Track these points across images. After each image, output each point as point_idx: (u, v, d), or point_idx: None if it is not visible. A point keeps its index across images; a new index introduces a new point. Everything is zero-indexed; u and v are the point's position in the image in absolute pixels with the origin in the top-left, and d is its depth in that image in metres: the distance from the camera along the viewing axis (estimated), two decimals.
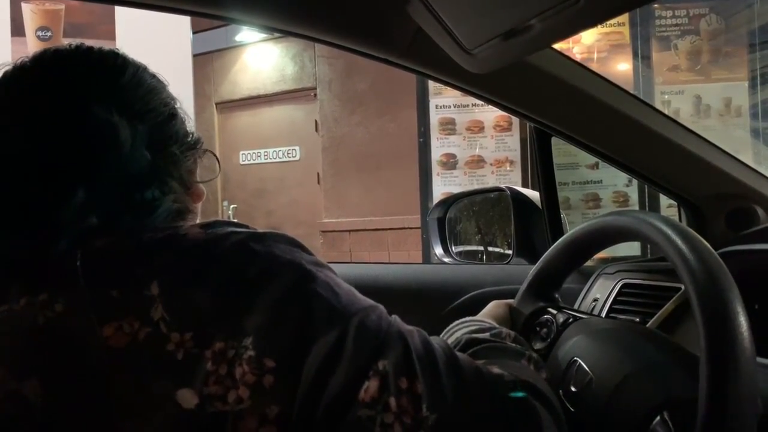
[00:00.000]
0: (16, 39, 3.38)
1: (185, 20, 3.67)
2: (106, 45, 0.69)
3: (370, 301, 0.60)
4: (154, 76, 0.69)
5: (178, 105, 0.70)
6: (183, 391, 0.51)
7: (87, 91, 0.62)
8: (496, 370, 0.60)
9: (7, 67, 0.64)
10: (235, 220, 0.63)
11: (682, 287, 0.87)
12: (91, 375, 0.52)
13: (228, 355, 0.52)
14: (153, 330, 0.52)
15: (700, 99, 3.69)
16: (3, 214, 0.60)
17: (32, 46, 3.36)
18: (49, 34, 3.41)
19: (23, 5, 3.42)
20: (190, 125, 0.71)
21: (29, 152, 0.59)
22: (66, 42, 0.68)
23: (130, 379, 0.52)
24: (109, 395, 0.52)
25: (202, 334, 0.52)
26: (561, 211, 1.32)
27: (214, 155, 0.77)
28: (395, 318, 0.60)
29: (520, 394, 0.57)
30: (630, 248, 3.06)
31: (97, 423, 0.52)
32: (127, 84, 0.65)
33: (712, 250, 0.61)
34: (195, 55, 3.87)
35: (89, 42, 0.68)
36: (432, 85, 3.97)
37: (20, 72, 0.64)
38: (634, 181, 3.56)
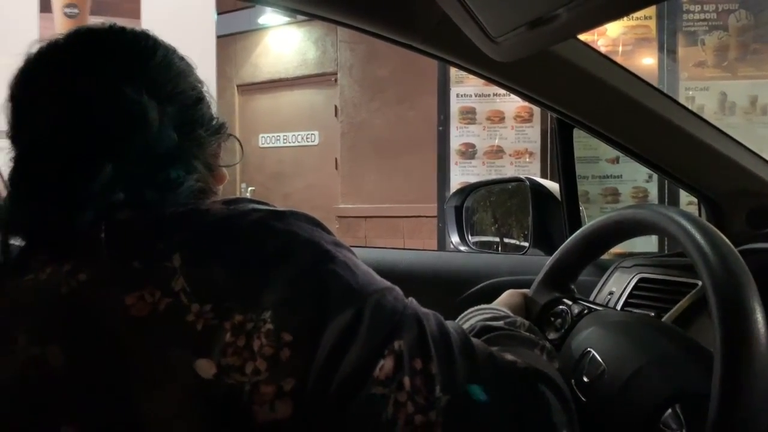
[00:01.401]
0: (44, 15, 3.41)
1: (210, 1, 3.68)
2: (130, 23, 0.70)
3: (387, 283, 0.60)
4: (182, 58, 0.70)
5: (205, 89, 0.71)
6: (201, 361, 0.52)
7: (119, 71, 0.63)
8: (509, 356, 0.61)
9: (41, 44, 0.66)
10: (257, 199, 0.64)
11: (699, 284, 0.87)
12: (112, 343, 0.54)
13: (246, 328, 0.53)
14: (174, 300, 0.53)
15: (725, 96, 3.63)
16: (32, 185, 0.61)
17: (59, 22, 3.39)
18: (76, 11, 3.44)
19: None
20: (215, 109, 0.72)
21: (60, 128, 0.61)
22: (92, 19, 0.69)
23: (150, 347, 0.53)
24: (129, 363, 0.53)
25: (221, 306, 0.53)
26: (580, 203, 1.32)
27: (238, 140, 0.78)
28: (411, 300, 0.61)
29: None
30: (647, 244, 3.04)
31: (116, 389, 0.53)
32: (158, 66, 0.66)
33: (731, 246, 0.60)
34: (218, 37, 3.87)
35: (114, 20, 0.69)
36: (453, 73, 3.95)
37: (54, 49, 0.65)
38: (654, 177, 3.53)
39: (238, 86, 6.93)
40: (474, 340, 0.61)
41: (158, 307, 0.53)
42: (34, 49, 0.65)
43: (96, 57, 0.64)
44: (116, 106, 0.61)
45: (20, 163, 0.63)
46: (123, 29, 0.67)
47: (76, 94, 0.61)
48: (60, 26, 3.37)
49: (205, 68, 0.73)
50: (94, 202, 0.58)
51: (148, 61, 0.65)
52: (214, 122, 0.70)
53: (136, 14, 3.44)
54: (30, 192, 0.61)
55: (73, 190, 0.59)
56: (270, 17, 6.43)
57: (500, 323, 0.73)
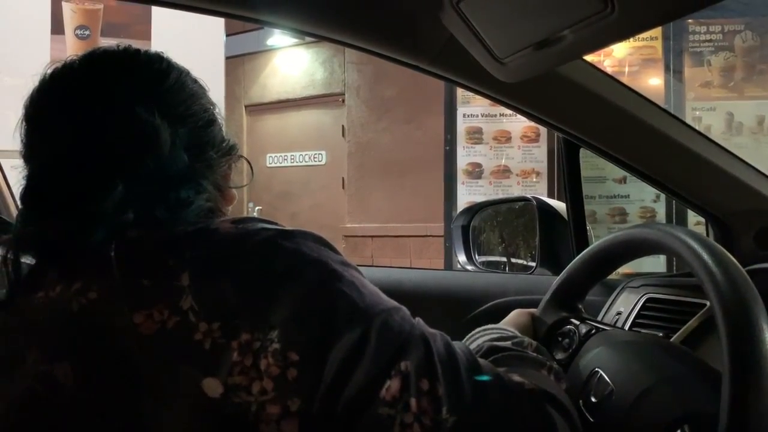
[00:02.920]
0: (56, 37, 3.46)
1: (219, 22, 3.73)
2: (141, 45, 0.71)
3: (394, 303, 0.60)
4: (195, 81, 0.71)
5: (217, 110, 0.72)
6: (209, 380, 0.52)
7: (132, 92, 0.64)
8: (516, 378, 0.61)
9: (57, 65, 0.67)
10: (265, 218, 0.64)
11: (708, 304, 0.86)
12: (121, 360, 0.54)
13: (254, 347, 0.53)
14: (182, 319, 0.54)
15: (732, 116, 3.64)
16: (43, 204, 0.62)
17: (71, 44, 3.44)
18: (87, 33, 3.49)
19: (64, 4, 3.51)
20: (226, 130, 0.73)
21: (73, 148, 0.62)
22: (104, 41, 0.70)
23: (158, 365, 0.53)
24: (137, 381, 0.53)
25: (229, 325, 0.53)
26: (587, 223, 1.32)
27: (248, 162, 0.78)
28: (418, 320, 0.61)
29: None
30: (655, 264, 3.02)
31: (124, 406, 0.53)
32: (171, 88, 0.66)
33: (739, 266, 0.60)
34: (227, 58, 3.92)
35: (125, 41, 0.70)
36: (460, 93, 3.97)
37: (69, 70, 0.66)
38: (662, 197, 3.53)
39: (246, 106, 6.99)
40: (481, 360, 0.61)
41: (166, 325, 0.54)
42: (49, 70, 0.66)
43: (110, 79, 0.65)
44: (129, 127, 0.62)
45: (32, 182, 0.64)
46: (137, 51, 0.68)
47: (90, 115, 0.62)
48: (71, 48, 3.42)
49: (213, 89, 0.74)
50: (104, 221, 0.59)
51: (161, 83, 0.66)
52: (225, 143, 0.71)
53: (146, 36, 3.50)
54: (41, 211, 0.62)
55: (85, 209, 0.59)
56: (278, 39, 6.50)
57: (508, 343, 0.73)
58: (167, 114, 0.64)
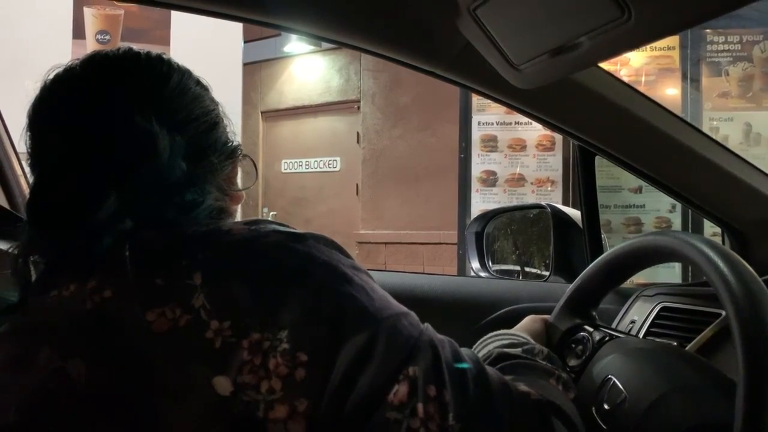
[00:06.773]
0: (77, 41, 3.52)
1: (237, 28, 3.76)
2: (160, 50, 0.70)
3: (403, 308, 0.61)
4: (198, 81, 0.70)
5: (220, 110, 0.71)
6: (219, 378, 0.52)
7: (130, 99, 0.64)
8: (523, 387, 0.61)
9: (59, 69, 0.66)
10: (278, 221, 0.65)
11: (723, 313, 0.86)
12: (134, 357, 0.54)
13: (263, 347, 0.53)
14: (193, 317, 0.54)
15: (750, 126, 3.61)
16: (47, 213, 0.62)
17: (91, 48, 3.47)
18: (107, 37, 3.54)
19: (85, 9, 3.57)
20: (231, 128, 0.72)
21: (70, 158, 0.62)
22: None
23: (170, 363, 0.53)
24: (149, 377, 0.53)
25: (239, 324, 0.54)
26: (602, 232, 1.31)
27: (253, 162, 0.78)
28: (427, 326, 0.61)
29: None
30: (670, 276, 3.00)
31: (136, 403, 0.53)
32: (172, 93, 0.66)
33: (756, 275, 0.60)
34: (244, 64, 3.95)
35: (144, 47, 0.70)
36: (475, 101, 3.97)
37: (70, 75, 0.66)
38: (678, 207, 3.50)
39: (262, 112, 7.03)
40: (489, 368, 0.61)
41: (178, 323, 0.54)
42: (51, 76, 0.66)
43: (108, 84, 0.65)
44: (125, 135, 0.61)
45: (37, 189, 0.64)
46: (138, 54, 0.68)
47: (87, 125, 0.62)
48: None
49: (231, 94, 0.74)
50: (104, 231, 0.59)
51: (162, 87, 0.66)
52: (228, 145, 0.71)
53: (165, 41, 3.54)
54: (45, 219, 0.62)
55: (82, 219, 0.60)
56: (295, 45, 6.54)
57: (518, 350, 0.73)
58: (167, 121, 0.63)
